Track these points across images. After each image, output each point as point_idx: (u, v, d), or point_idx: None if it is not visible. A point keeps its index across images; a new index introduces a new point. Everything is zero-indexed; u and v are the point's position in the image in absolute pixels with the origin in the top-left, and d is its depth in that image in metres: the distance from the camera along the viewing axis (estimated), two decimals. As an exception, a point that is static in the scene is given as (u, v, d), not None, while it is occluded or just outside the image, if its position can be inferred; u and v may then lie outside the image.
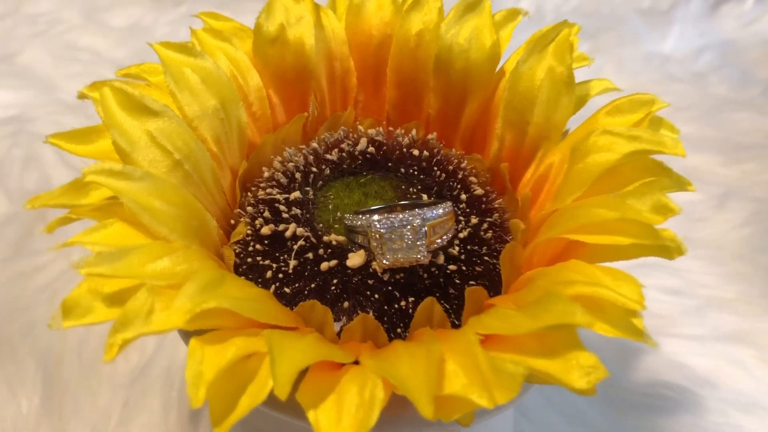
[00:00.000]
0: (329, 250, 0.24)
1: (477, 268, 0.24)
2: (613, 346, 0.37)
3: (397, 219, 0.22)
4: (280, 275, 0.23)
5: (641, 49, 0.76)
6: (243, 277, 0.23)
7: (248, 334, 0.18)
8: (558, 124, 0.27)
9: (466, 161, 0.29)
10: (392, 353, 0.18)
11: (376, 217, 0.22)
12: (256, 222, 0.25)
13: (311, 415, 0.16)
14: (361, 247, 0.23)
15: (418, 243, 0.22)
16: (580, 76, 0.27)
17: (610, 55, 0.74)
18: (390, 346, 0.19)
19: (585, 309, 0.17)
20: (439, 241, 0.23)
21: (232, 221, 0.26)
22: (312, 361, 0.17)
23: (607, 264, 0.20)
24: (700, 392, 0.35)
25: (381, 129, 0.30)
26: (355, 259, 0.23)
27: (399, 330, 0.22)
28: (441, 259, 0.24)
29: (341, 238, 0.24)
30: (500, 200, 0.28)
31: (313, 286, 0.23)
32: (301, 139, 0.31)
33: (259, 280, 0.24)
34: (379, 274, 0.23)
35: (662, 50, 0.77)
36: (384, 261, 0.22)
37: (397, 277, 0.23)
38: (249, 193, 0.27)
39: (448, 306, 0.23)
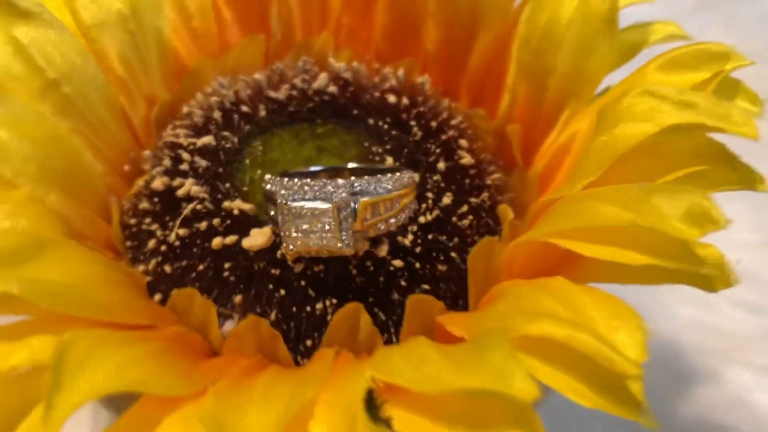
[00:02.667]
0: (228, 222, 0.18)
1: (440, 267, 0.19)
2: (662, 371, 0.31)
3: (315, 188, 0.16)
4: (163, 248, 0.19)
5: (760, 5, 0.64)
6: (123, 244, 0.20)
7: (59, 333, 0.13)
8: (591, 77, 0.20)
9: (460, 117, 0.23)
10: (247, 391, 0.14)
11: (286, 181, 0.17)
12: (154, 172, 0.20)
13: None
14: (273, 222, 0.17)
15: (342, 226, 0.16)
16: (644, 16, 0.22)
17: (719, 12, 0.61)
18: (254, 377, 0.15)
19: (544, 364, 0.13)
20: (382, 225, 0.17)
21: (126, 167, 0.21)
22: (121, 388, 0.12)
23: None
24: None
25: (357, 64, 0.24)
26: (255, 238, 0.18)
27: (309, 342, 0.17)
28: (383, 251, 0.18)
29: (248, 206, 0.19)
30: (498, 175, 0.22)
31: (201, 268, 0.18)
32: (262, 70, 0.24)
33: (145, 251, 0.19)
34: (290, 262, 0.17)
35: (786, 9, 0.66)
36: (290, 246, 0.17)
37: (316, 269, 0.18)
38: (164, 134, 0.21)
39: (385, 318, 0.18)
